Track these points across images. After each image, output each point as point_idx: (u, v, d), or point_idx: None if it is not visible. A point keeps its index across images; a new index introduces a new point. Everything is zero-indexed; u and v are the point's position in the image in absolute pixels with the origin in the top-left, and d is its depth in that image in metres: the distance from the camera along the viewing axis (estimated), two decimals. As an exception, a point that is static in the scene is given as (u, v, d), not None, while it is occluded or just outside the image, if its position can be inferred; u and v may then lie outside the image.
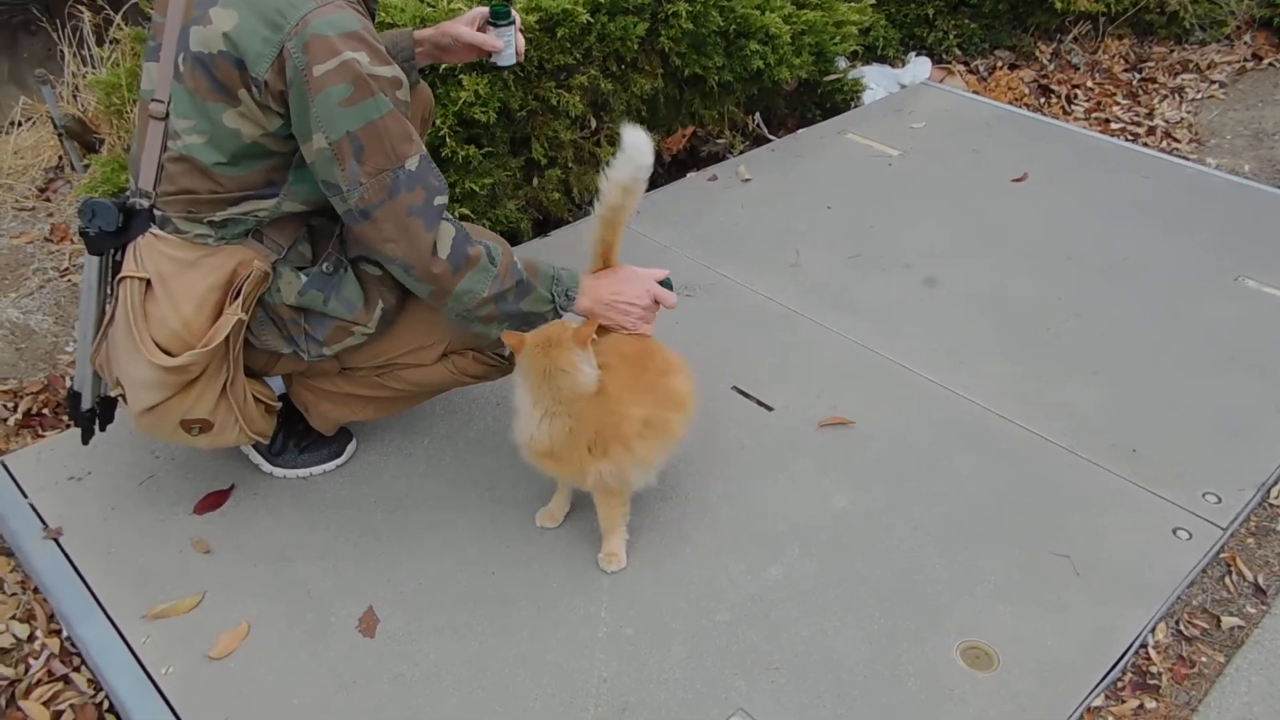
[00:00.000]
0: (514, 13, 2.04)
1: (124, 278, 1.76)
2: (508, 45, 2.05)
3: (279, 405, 2.01)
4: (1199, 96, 4.07)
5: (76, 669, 1.87)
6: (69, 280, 2.91)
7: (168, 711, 1.72)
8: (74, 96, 3.46)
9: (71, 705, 1.79)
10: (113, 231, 1.76)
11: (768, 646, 1.81)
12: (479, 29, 2.03)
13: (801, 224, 3.08)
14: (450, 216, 1.74)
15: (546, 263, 1.87)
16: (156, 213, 1.75)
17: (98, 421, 2.00)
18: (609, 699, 1.73)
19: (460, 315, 1.81)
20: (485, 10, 2.04)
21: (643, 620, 1.86)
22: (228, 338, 1.77)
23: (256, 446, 2.14)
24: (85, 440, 2.01)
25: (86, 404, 1.96)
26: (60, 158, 3.42)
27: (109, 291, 1.82)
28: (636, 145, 1.84)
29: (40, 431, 2.39)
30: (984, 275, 2.83)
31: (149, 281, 1.74)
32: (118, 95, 2.97)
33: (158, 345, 1.74)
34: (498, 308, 1.80)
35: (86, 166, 3.26)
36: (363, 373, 2.00)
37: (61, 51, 3.50)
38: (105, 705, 1.80)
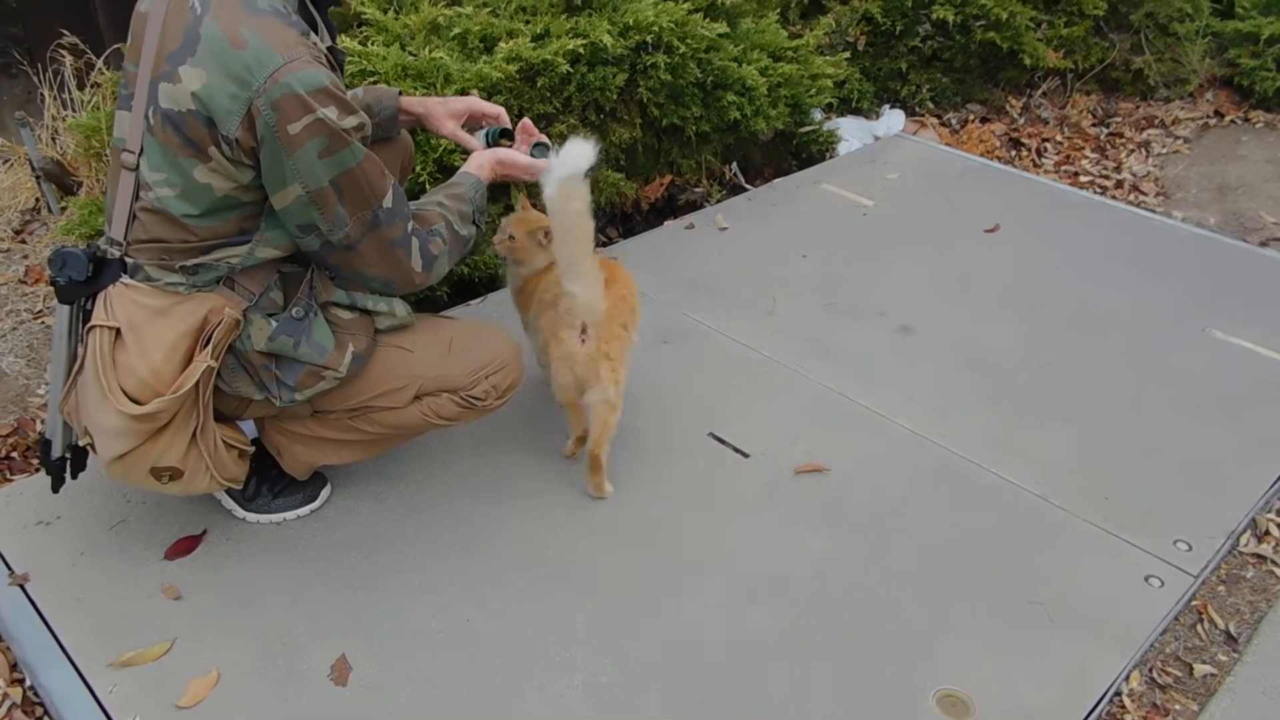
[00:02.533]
0: (552, 146, 2.03)
1: (93, 327, 1.75)
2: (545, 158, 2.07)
3: (252, 450, 2.00)
4: (1165, 151, 4.17)
5: (40, 719, 1.83)
6: (42, 322, 2.89)
7: (133, 762, 1.69)
8: (53, 139, 3.47)
9: (33, 756, 1.75)
10: (82, 280, 1.75)
11: (744, 695, 1.80)
12: (467, 124, 2.14)
13: (778, 272, 3.12)
14: (413, 228, 1.83)
15: (464, 197, 1.98)
16: (128, 260, 1.75)
17: (69, 469, 1.98)
18: (584, 748, 1.71)
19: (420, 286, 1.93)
20: (471, 102, 2.14)
21: (618, 669, 1.85)
22: (197, 385, 1.77)
23: (229, 491, 2.12)
24: (55, 488, 1.99)
25: (57, 452, 1.94)
26: (37, 200, 3.42)
27: (80, 340, 1.81)
28: (571, 153, 1.85)
29: (8, 475, 2.36)
30: (958, 323, 2.87)
31: (119, 330, 1.74)
32: (97, 138, 2.98)
33: (126, 394, 1.73)
34: (449, 250, 1.93)
35: (64, 209, 3.26)
36: (335, 415, 1.99)
37: (42, 94, 3.51)
38: (69, 756, 1.76)
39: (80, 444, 1.88)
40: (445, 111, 2.12)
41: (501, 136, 2.14)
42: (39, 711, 1.84)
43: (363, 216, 1.72)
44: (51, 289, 1.94)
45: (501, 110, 2.16)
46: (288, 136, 1.58)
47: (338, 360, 1.87)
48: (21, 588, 1.99)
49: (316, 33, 1.72)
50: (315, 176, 1.63)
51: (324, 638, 1.90)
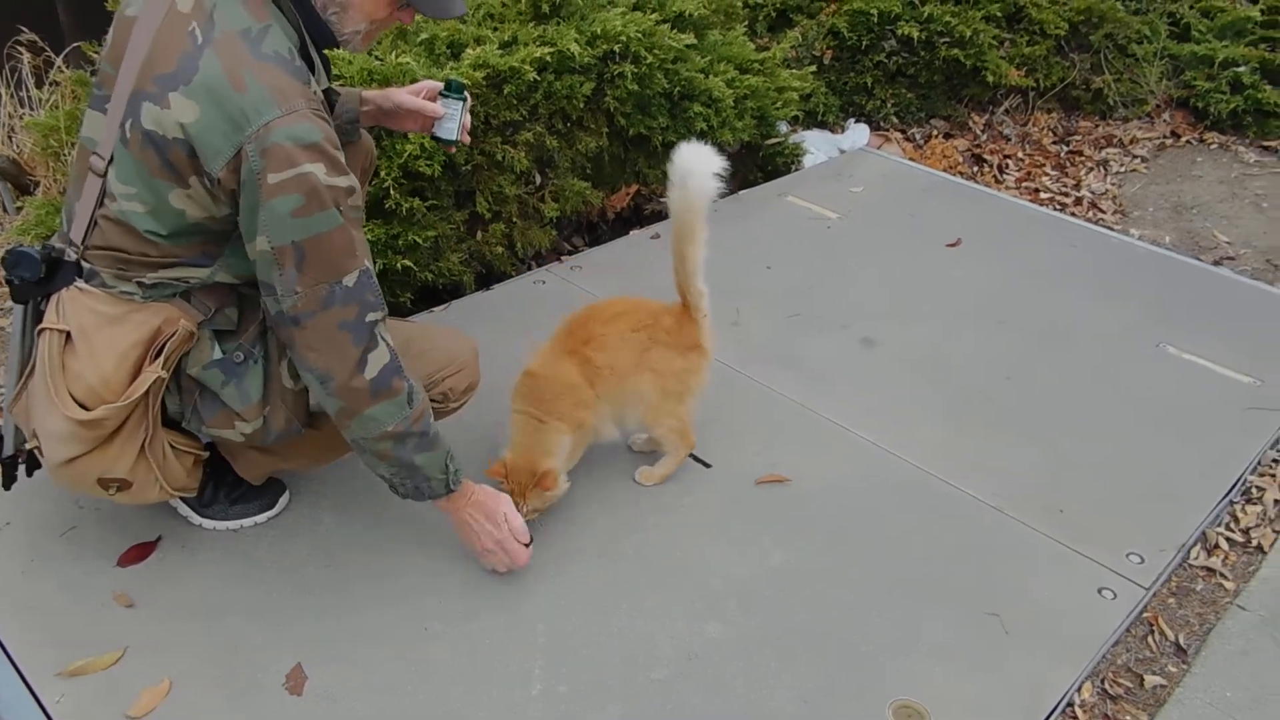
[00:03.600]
0: (467, 94, 2.07)
1: (44, 329, 1.72)
2: (451, 118, 2.06)
3: (205, 455, 1.97)
4: (1122, 170, 4.25)
5: (-15, 729, 1.79)
6: (-4, 324, 2.84)
7: (81, 774, 1.66)
8: (9, 138, 3.41)
9: (-22, 767, 1.72)
10: (35, 281, 1.72)
11: (703, 705, 1.81)
12: (427, 98, 2.06)
13: (742, 283, 3.13)
14: (391, 345, 1.73)
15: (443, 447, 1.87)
16: (84, 265, 1.73)
17: (24, 467, 1.94)
18: (542, 759, 1.70)
19: (357, 440, 1.78)
20: (429, 82, 2.08)
21: (578, 678, 1.85)
22: (147, 395, 1.74)
23: (185, 498, 2.09)
24: (7, 486, 1.95)
25: (8, 450, 1.90)
26: (-8, 198, 3.35)
27: (32, 341, 1.78)
28: (680, 152, 2.02)
29: (-42, 479, 2.31)
30: (919, 337, 2.90)
31: (69, 334, 1.71)
32: (55, 138, 2.94)
33: (75, 399, 1.70)
34: (395, 449, 1.77)
35: (20, 209, 3.20)
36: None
37: (-1, 92, 3.45)
38: (14, 767, 1.73)
39: (29, 447, 1.85)
40: (400, 89, 2.08)
41: (450, 87, 2.06)
42: (-16, 721, 1.80)
43: (317, 291, 1.62)
44: (4, 290, 1.91)
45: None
46: (267, 186, 1.54)
47: (253, 414, 1.84)
48: (-32, 595, 1.95)
49: (315, 73, 1.69)
50: (281, 232, 1.58)
51: (280, 647, 1.88)
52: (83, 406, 1.70)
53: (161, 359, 1.72)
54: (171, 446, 1.86)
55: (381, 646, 1.89)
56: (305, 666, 1.84)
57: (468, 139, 2.12)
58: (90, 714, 1.74)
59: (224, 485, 2.09)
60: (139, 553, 2.05)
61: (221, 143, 1.54)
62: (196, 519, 2.10)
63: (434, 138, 2.07)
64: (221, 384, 1.80)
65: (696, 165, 2.00)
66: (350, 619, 1.94)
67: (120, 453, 1.77)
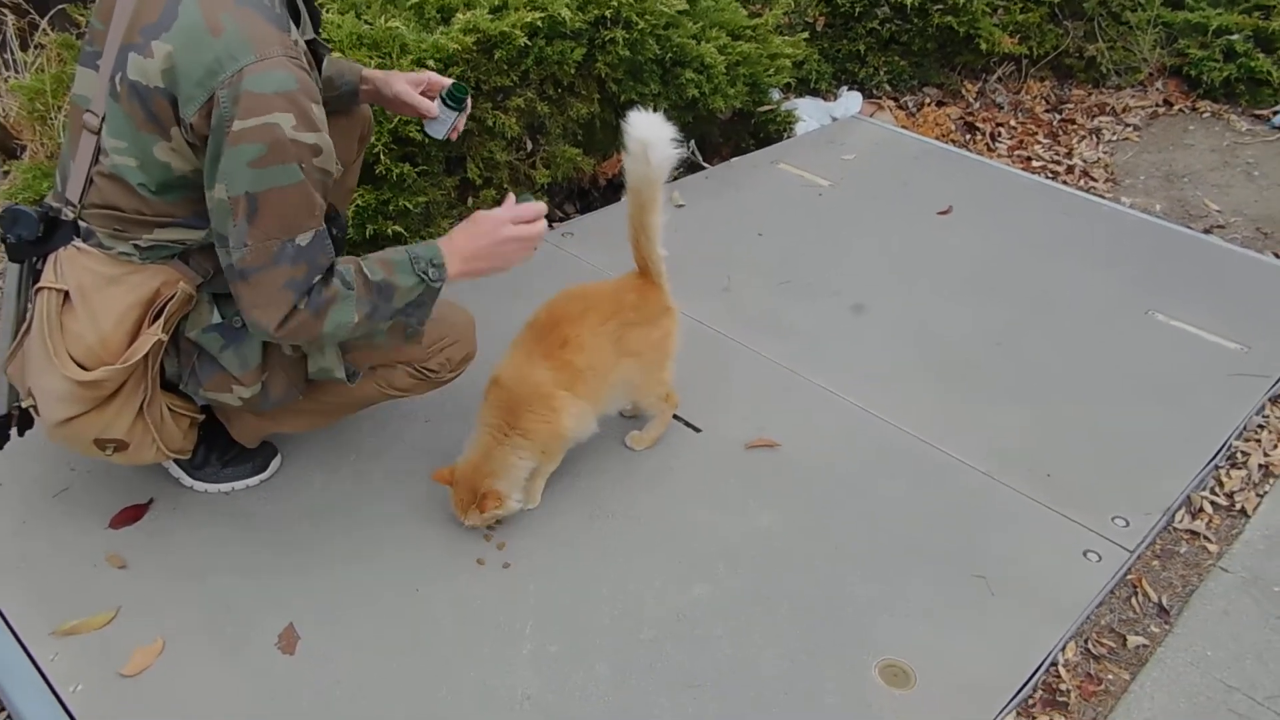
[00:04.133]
0: (469, 101, 2.08)
1: (41, 288, 1.72)
2: (444, 121, 2.08)
3: (201, 418, 1.98)
4: (1115, 138, 4.24)
5: (-21, 687, 1.80)
6: (-16, 288, 2.83)
7: (75, 731, 1.67)
8: (-4, 101, 3.38)
9: (-28, 725, 1.73)
10: (33, 240, 1.72)
11: (691, 664, 1.83)
12: (423, 92, 2.06)
13: (733, 250, 3.13)
14: (314, 265, 1.67)
15: (400, 248, 1.77)
16: (81, 224, 1.72)
17: (15, 427, 1.94)
18: (532, 716, 1.73)
19: (342, 344, 1.79)
20: (431, 75, 2.09)
21: (567, 638, 1.87)
22: (146, 357, 1.74)
23: (178, 460, 2.09)
24: None
25: (1, 409, 1.91)
26: (-21, 163, 3.33)
27: (29, 300, 1.78)
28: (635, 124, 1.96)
29: (-52, 442, 2.31)
30: (910, 304, 2.91)
31: (67, 294, 1.71)
32: (41, 101, 2.91)
33: (73, 359, 1.71)
34: (373, 322, 1.74)
35: (6, 173, 3.18)
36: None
37: (-17, 55, 3.42)
38: (9, 725, 1.75)
39: (24, 406, 1.85)
40: (402, 76, 2.09)
41: (452, 96, 2.08)
42: (-22, 680, 1.81)
43: (268, 246, 1.58)
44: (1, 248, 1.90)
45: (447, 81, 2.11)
46: (232, 132, 1.52)
47: (251, 380, 1.84)
48: (-39, 556, 1.96)
49: (299, 23, 1.68)
50: (237, 182, 1.55)
51: (272, 607, 1.89)
52: (81, 367, 1.70)
53: (161, 321, 1.72)
54: (169, 409, 1.87)
55: (372, 607, 1.91)
56: (297, 626, 1.86)
57: (454, 138, 2.13)
58: (84, 673, 1.76)
59: (216, 448, 2.10)
60: (131, 514, 2.06)
61: (195, 89, 1.53)
62: (188, 481, 2.11)
63: (423, 131, 2.08)
64: (220, 348, 1.80)
65: (654, 135, 1.96)
66: (341, 580, 1.96)
67: (118, 414, 1.78)
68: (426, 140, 2.18)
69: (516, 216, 1.83)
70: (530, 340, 2.06)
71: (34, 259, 1.76)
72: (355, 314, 1.69)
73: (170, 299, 1.73)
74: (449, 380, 2.06)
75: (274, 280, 1.61)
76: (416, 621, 1.89)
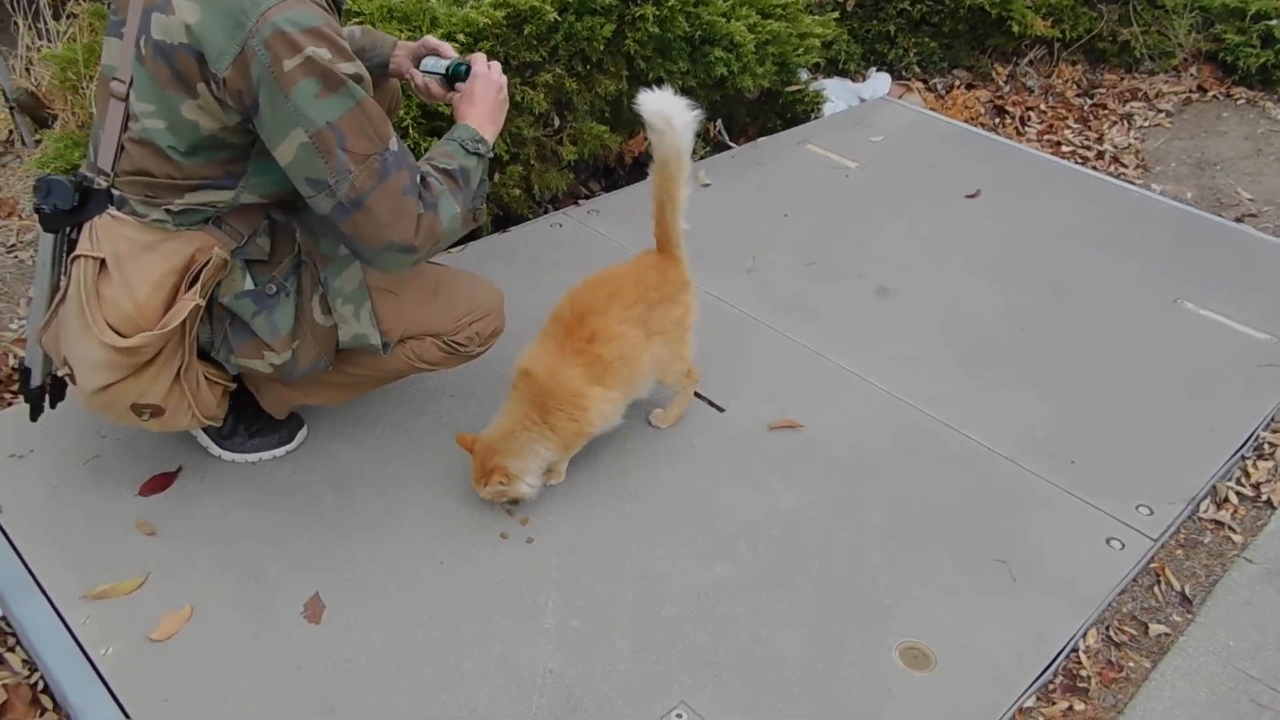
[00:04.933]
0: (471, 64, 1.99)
1: (78, 256, 1.74)
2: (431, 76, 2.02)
3: (233, 387, 2.00)
4: (1146, 124, 4.19)
5: (11, 649, 1.84)
6: (15, 256, 2.86)
7: (105, 693, 1.70)
8: (27, 70, 3.40)
9: (5, 685, 1.76)
10: (68, 209, 1.73)
11: (712, 642, 1.84)
12: (418, 54, 2.03)
13: (759, 230, 3.12)
14: (416, 168, 1.72)
15: (441, 142, 1.83)
16: (114, 193, 1.74)
17: (48, 398, 1.97)
18: (554, 690, 1.74)
19: (455, 238, 1.81)
20: (429, 40, 2.04)
21: (589, 614, 1.88)
22: (183, 323, 1.76)
23: (206, 429, 2.12)
24: (34, 417, 1.98)
25: (36, 380, 1.93)
26: (10, 132, 3.36)
27: (63, 270, 1.80)
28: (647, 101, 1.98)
29: (-19, 408, 2.35)
30: (936, 287, 2.89)
31: (103, 262, 1.73)
32: (73, 70, 2.93)
33: (110, 326, 1.72)
34: (466, 208, 1.78)
35: (38, 142, 3.21)
36: None
37: (16, 23, 3.43)
38: (40, 686, 1.78)
39: (59, 374, 1.87)
40: (405, 51, 2.05)
41: (454, 75, 1.99)
42: (11, 641, 1.85)
43: (370, 163, 1.62)
44: (25, 222, 1.91)
45: (446, 46, 2.05)
46: (282, 74, 1.54)
47: (283, 346, 1.85)
48: (-6, 519, 1.99)
49: None
50: (313, 117, 1.57)
51: (298, 576, 1.92)
52: (118, 334, 1.72)
53: (198, 287, 1.74)
54: (204, 376, 1.89)
55: (397, 578, 1.93)
56: (323, 595, 1.88)
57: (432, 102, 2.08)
58: (114, 636, 1.79)
59: (244, 418, 2.12)
60: (160, 482, 2.09)
61: (225, 41, 1.54)
62: (216, 450, 2.13)
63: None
64: (252, 314, 1.81)
65: (673, 109, 1.97)
66: (366, 551, 1.98)
67: (155, 379, 1.79)
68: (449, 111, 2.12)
69: (489, 75, 1.91)
70: (559, 334, 2.04)
71: (68, 229, 1.77)
72: (456, 204, 1.74)
73: (205, 264, 1.74)
74: (478, 354, 2.07)
75: (392, 191, 1.64)
76: (440, 594, 1.90)
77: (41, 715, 1.74)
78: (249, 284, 1.80)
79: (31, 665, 1.81)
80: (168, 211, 1.72)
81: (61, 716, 1.74)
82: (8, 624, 1.86)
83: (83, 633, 1.79)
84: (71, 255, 1.76)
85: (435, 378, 2.37)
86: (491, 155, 1.86)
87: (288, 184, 1.72)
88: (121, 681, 1.72)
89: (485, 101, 1.89)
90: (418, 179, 1.70)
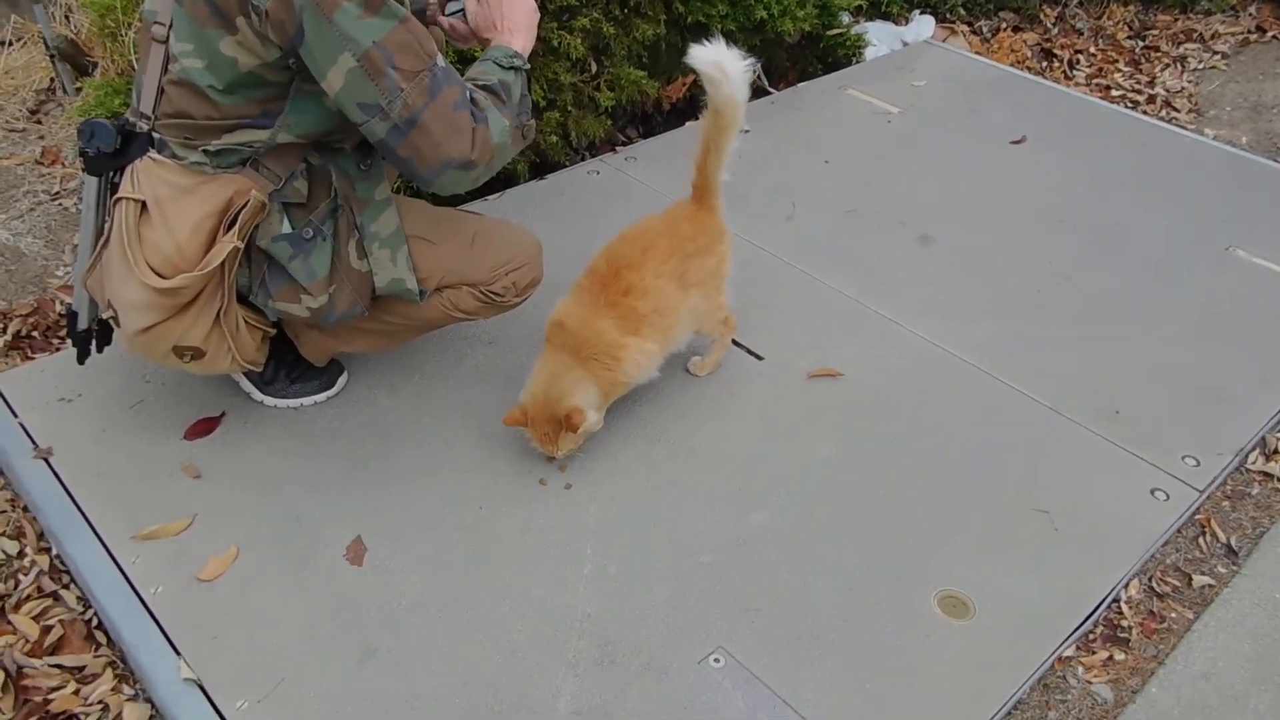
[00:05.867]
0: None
1: (120, 199, 1.75)
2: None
3: (273, 332, 2.01)
4: (1201, 67, 4.06)
5: (65, 586, 1.89)
6: (59, 204, 2.89)
7: (156, 630, 1.75)
8: (67, 18, 3.40)
9: (61, 621, 1.81)
10: (110, 153, 1.75)
11: (749, 588, 1.85)
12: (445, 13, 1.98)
13: (798, 177, 3.08)
14: (466, 88, 1.70)
15: (476, 63, 1.80)
16: (155, 136, 1.74)
17: (94, 342, 2.00)
18: (591, 634, 1.76)
19: (509, 157, 1.80)
20: None
21: (627, 560, 1.89)
22: (223, 265, 1.77)
23: (248, 374, 2.14)
24: (81, 360, 2.01)
25: (83, 324, 1.96)
26: (52, 80, 3.38)
27: (106, 213, 1.81)
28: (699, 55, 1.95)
29: (29, 354, 2.39)
30: (978, 235, 2.84)
31: (144, 204, 1.74)
32: (112, 18, 2.92)
33: (151, 268, 1.74)
34: (514, 124, 1.76)
35: (79, 90, 3.22)
36: None
37: (55, -29, 3.43)
38: (94, 622, 1.83)
39: (104, 316, 1.89)
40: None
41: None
42: (65, 579, 1.90)
43: (420, 80, 1.61)
44: (69, 170, 1.92)
45: None
46: (324, 1, 1.53)
47: (319, 290, 1.86)
48: (45, 461, 2.03)
49: None
50: (359, 39, 1.56)
51: (339, 520, 1.94)
52: (159, 275, 1.74)
53: (236, 229, 1.74)
54: (243, 320, 1.90)
55: (436, 524, 1.95)
56: (364, 539, 1.90)
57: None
58: (162, 576, 1.83)
59: (285, 365, 2.14)
60: (204, 426, 2.12)
61: None
62: (258, 395, 2.16)
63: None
64: (289, 257, 1.82)
65: (727, 58, 1.95)
66: (407, 496, 2.00)
67: (195, 321, 1.81)
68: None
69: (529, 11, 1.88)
70: (594, 288, 2.03)
71: (111, 173, 1.79)
72: (504, 118, 1.73)
73: (243, 207, 1.74)
74: (515, 305, 2.07)
75: (445, 106, 1.64)
76: (479, 539, 1.92)
77: (96, 650, 1.79)
78: (286, 227, 1.81)
79: (85, 602, 1.85)
80: (205, 153, 1.73)
81: (115, 652, 1.78)
82: (61, 562, 1.91)
83: (133, 572, 1.83)
84: (114, 198, 1.77)
85: (472, 326, 2.38)
86: (528, 68, 1.83)
87: (324, 123, 1.72)
88: (171, 619, 1.76)
89: (515, 16, 1.85)
90: (467, 94, 1.68)
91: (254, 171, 1.77)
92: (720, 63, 1.95)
